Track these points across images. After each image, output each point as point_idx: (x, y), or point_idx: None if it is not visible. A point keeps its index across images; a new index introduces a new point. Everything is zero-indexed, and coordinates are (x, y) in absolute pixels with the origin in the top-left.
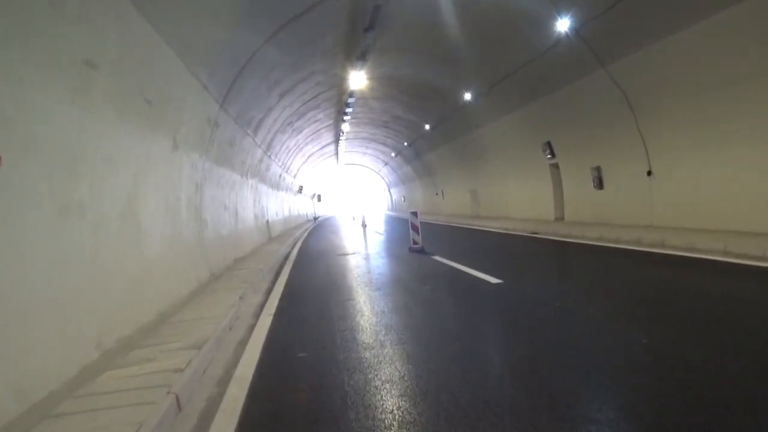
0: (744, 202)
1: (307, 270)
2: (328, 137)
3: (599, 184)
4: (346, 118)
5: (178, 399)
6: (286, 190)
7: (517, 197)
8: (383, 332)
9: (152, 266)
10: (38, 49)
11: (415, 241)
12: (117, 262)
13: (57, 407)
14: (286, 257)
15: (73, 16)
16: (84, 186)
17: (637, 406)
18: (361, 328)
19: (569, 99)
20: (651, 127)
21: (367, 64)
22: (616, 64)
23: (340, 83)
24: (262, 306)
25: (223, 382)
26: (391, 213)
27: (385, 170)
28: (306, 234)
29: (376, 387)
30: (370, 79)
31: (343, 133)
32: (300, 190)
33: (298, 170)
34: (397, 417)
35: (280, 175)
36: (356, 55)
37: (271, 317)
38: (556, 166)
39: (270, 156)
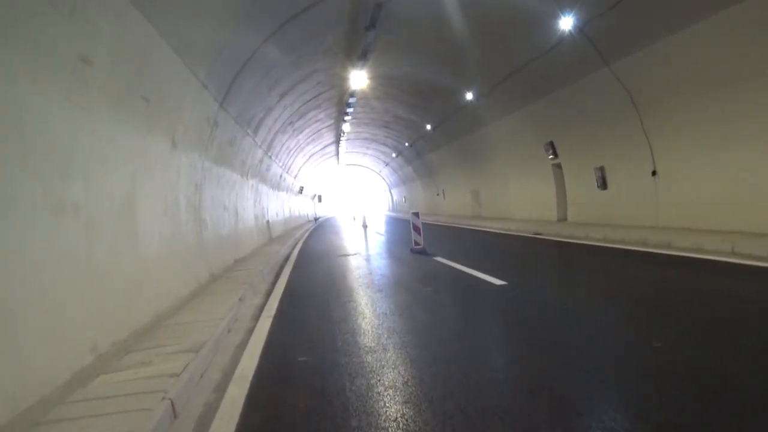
0: (751, 202)
1: (307, 271)
2: (328, 137)
3: (603, 184)
4: (347, 118)
5: (173, 405)
6: (287, 191)
7: (519, 198)
8: (386, 335)
9: (150, 267)
10: (32, 45)
11: (417, 241)
12: (113, 263)
13: (48, 414)
14: (287, 258)
15: (68, 11)
16: (79, 185)
17: (652, 416)
18: (362, 330)
19: (572, 98)
20: (656, 126)
21: (368, 63)
22: (620, 63)
23: (340, 83)
24: (261, 308)
25: (221, 387)
26: (392, 214)
27: (385, 171)
28: (307, 235)
29: (378, 393)
30: (371, 78)
31: (344, 133)
32: (301, 190)
33: (298, 171)
34: (401, 425)
35: (281, 176)
36: (357, 54)
37: (270, 319)
38: (558, 166)
39: (270, 156)
